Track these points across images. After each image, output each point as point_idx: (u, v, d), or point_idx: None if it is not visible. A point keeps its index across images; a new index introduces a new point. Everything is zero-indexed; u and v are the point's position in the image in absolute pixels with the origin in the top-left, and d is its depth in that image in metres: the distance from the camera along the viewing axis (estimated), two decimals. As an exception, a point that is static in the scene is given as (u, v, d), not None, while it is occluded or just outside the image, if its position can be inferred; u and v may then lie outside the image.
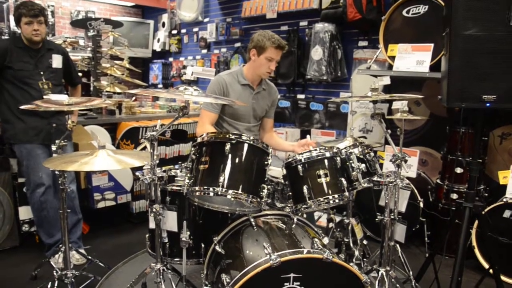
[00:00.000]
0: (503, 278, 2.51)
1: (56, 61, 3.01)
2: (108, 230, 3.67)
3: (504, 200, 2.91)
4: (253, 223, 1.96)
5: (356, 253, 2.60)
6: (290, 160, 2.03)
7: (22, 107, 2.26)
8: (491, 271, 2.32)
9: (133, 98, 4.62)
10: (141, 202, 3.91)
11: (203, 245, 2.14)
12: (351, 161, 2.08)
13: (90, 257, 2.85)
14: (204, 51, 5.82)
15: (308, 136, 2.55)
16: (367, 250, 2.77)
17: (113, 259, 3.04)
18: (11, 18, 4.88)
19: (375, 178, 2.10)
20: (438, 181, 3.42)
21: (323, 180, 1.98)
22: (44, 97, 2.70)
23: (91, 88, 4.11)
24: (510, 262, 2.81)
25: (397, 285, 2.30)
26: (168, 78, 6.43)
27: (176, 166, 2.29)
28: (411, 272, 2.53)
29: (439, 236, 3.17)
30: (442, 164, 3.41)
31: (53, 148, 2.18)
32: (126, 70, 4.26)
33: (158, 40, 6.41)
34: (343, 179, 2.00)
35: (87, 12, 6.23)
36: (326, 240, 1.92)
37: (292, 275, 1.61)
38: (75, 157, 2.11)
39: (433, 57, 3.05)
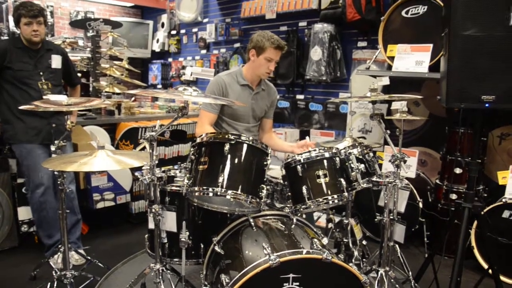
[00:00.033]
0: (502, 278, 2.51)
1: (56, 62, 3.01)
2: (107, 231, 3.67)
3: (503, 200, 2.91)
4: (253, 223, 1.96)
5: (356, 253, 2.60)
6: (289, 160, 2.03)
7: (22, 107, 2.26)
8: (490, 271, 2.32)
9: (132, 98, 4.62)
10: (141, 202, 3.91)
11: (202, 246, 2.14)
12: (350, 162, 2.08)
13: (89, 258, 2.84)
14: (203, 51, 5.82)
15: (307, 137, 2.55)
16: (366, 251, 2.77)
17: (112, 260, 3.04)
18: (10, 18, 4.88)
19: (374, 179, 2.10)
20: (437, 181, 3.42)
21: (322, 180, 1.98)
22: (44, 97, 2.70)
23: (90, 89, 4.11)
24: (509, 262, 2.81)
25: (397, 285, 2.30)
26: (167, 79, 6.43)
27: (175, 167, 2.29)
28: (410, 273, 2.53)
29: (438, 236, 3.18)
30: (441, 164, 3.41)
31: (52, 148, 2.19)
32: (125, 71, 4.26)
33: (157, 41, 6.41)
34: (342, 180, 2.00)
35: (86, 12, 6.23)
36: (325, 241, 1.92)
37: (291, 275, 1.61)
38: (74, 158, 2.11)
39: (432, 58, 3.05)
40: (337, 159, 2.03)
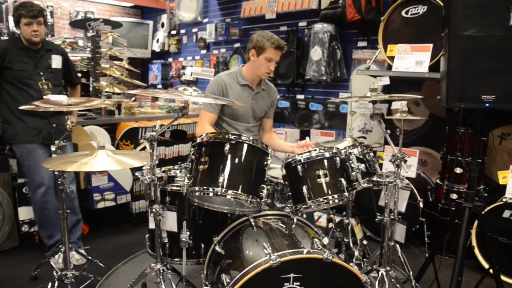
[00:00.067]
0: (503, 278, 2.51)
1: (56, 62, 3.01)
2: (108, 231, 3.67)
3: (504, 200, 2.91)
4: (253, 223, 1.96)
5: (356, 253, 2.60)
6: (289, 160, 2.03)
7: (22, 107, 2.26)
8: (491, 271, 2.32)
9: (133, 98, 4.62)
10: (141, 202, 3.91)
11: (203, 245, 2.14)
12: (350, 161, 2.08)
13: (90, 258, 2.85)
14: (203, 51, 5.82)
15: (307, 137, 2.55)
16: (367, 250, 2.77)
17: (113, 260, 3.04)
18: (10, 18, 4.88)
19: (374, 178, 2.10)
20: (438, 181, 3.42)
21: (322, 180, 1.98)
22: (44, 97, 2.70)
23: (91, 89, 4.11)
24: (510, 262, 2.81)
25: (397, 285, 2.30)
26: (167, 79, 6.43)
27: (176, 167, 2.29)
28: (411, 272, 2.53)
29: (439, 236, 3.18)
30: (442, 164, 3.41)
31: (53, 148, 2.19)
32: (125, 71, 4.26)
33: (157, 41, 6.41)
34: (342, 179, 2.00)
35: (86, 12, 6.23)
36: (326, 240, 1.92)
37: (292, 275, 1.61)
38: (75, 158, 2.11)
39: (432, 58, 3.05)
40: (338, 159, 2.03)
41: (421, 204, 3.21)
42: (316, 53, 4.15)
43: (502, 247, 2.84)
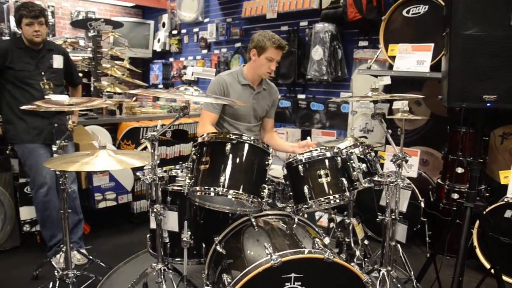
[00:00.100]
0: (504, 278, 2.50)
1: (57, 62, 3.01)
2: (109, 230, 3.68)
3: (505, 200, 2.91)
4: (254, 223, 1.96)
5: (357, 253, 2.59)
6: (291, 160, 2.03)
7: (23, 107, 2.27)
8: (492, 271, 2.31)
9: (134, 98, 4.63)
10: (142, 202, 3.91)
11: (204, 245, 2.14)
12: (352, 161, 2.08)
13: (91, 257, 2.85)
14: (205, 51, 5.82)
15: (308, 137, 2.55)
16: (368, 250, 2.77)
17: (114, 259, 3.04)
18: (12, 18, 4.89)
19: (376, 178, 2.10)
20: (439, 181, 3.42)
21: (324, 180, 1.98)
22: (45, 97, 2.70)
23: (92, 89, 4.12)
24: (511, 262, 2.80)
25: (398, 285, 2.30)
26: (168, 78, 6.43)
27: (177, 166, 2.29)
28: (412, 272, 2.53)
29: (440, 236, 3.17)
30: (443, 164, 3.41)
31: (54, 148, 2.19)
32: (126, 71, 4.26)
33: (159, 41, 6.42)
34: (344, 179, 2.00)
35: (87, 12, 6.23)
36: (327, 240, 1.92)
37: (293, 275, 1.61)
38: (76, 157, 2.11)
39: (433, 57, 3.05)
40: (339, 158, 2.03)
41: (422, 204, 3.21)
42: (317, 52, 4.15)
43: (503, 247, 2.84)
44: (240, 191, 1.86)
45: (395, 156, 2.15)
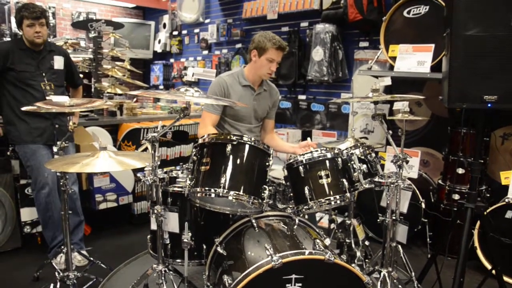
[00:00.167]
0: (505, 278, 2.50)
1: (58, 63, 3.02)
2: (109, 232, 3.68)
3: (506, 200, 2.90)
4: (255, 224, 1.96)
5: (358, 254, 2.59)
6: (291, 161, 2.03)
7: (24, 108, 2.27)
8: (493, 271, 2.31)
9: (134, 99, 4.63)
10: (143, 203, 3.91)
11: (204, 246, 2.14)
12: (352, 162, 2.08)
13: (92, 259, 2.85)
14: (205, 52, 5.82)
15: (308, 138, 2.55)
16: (369, 251, 2.77)
17: (115, 261, 3.04)
18: (13, 19, 4.90)
19: (376, 179, 2.10)
20: (440, 181, 3.41)
21: (324, 181, 1.98)
22: (46, 98, 2.70)
23: (92, 90, 4.12)
24: (512, 263, 2.80)
25: (399, 286, 2.30)
26: (169, 79, 6.44)
27: (178, 167, 2.29)
28: (413, 273, 2.53)
29: (441, 237, 3.17)
30: (444, 164, 3.41)
31: (55, 149, 2.19)
32: (127, 71, 4.26)
33: (159, 41, 6.42)
34: (344, 180, 2.00)
35: (88, 13, 6.24)
36: (327, 241, 1.92)
37: (294, 276, 1.61)
38: (77, 159, 2.11)
39: (434, 58, 3.04)
40: (339, 159, 2.03)
41: (423, 205, 3.21)
42: (317, 53, 4.15)
43: (504, 248, 2.83)
44: (241, 192, 1.86)
45: (395, 157, 2.15)
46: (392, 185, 2.11)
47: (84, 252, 3.01)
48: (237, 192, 1.85)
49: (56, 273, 2.38)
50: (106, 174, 3.51)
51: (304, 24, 4.52)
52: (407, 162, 2.15)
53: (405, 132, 2.56)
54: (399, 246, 2.47)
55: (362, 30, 4.07)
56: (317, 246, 1.74)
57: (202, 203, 2.00)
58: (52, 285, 2.37)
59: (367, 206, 3.31)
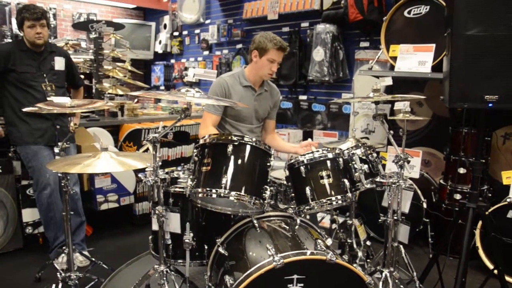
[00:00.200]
0: (507, 278, 2.50)
1: (59, 64, 3.02)
2: (111, 232, 3.68)
3: (508, 200, 2.90)
4: (256, 224, 1.96)
5: (360, 254, 2.59)
6: (292, 161, 2.03)
7: (25, 109, 2.27)
8: (495, 271, 2.31)
9: (135, 100, 4.64)
10: (144, 204, 3.91)
11: (206, 247, 2.14)
12: (353, 162, 2.08)
13: (93, 259, 2.85)
14: (206, 52, 5.82)
15: (309, 138, 2.56)
16: (370, 251, 2.77)
17: (117, 261, 3.04)
18: (14, 21, 4.91)
19: (378, 179, 2.10)
20: (441, 181, 3.41)
21: (325, 181, 1.98)
22: (48, 99, 2.71)
23: (93, 90, 4.13)
24: (514, 263, 2.80)
25: (401, 286, 2.29)
26: (170, 80, 6.44)
27: (179, 168, 2.29)
28: (415, 273, 2.53)
29: (442, 236, 3.15)
30: (445, 164, 3.40)
31: (56, 150, 2.19)
32: (128, 72, 4.27)
33: (160, 42, 6.43)
34: (345, 180, 2.00)
35: (89, 14, 6.24)
36: (329, 241, 1.92)
37: (295, 276, 1.61)
38: (78, 159, 2.11)
39: (435, 58, 3.04)
40: (341, 159, 2.03)
41: (424, 205, 3.21)
42: (318, 53, 4.15)
43: (506, 248, 2.83)
44: (242, 193, 1.86)
45: (397, 157, 2.15)
46: (393, 185, 2.11)
47: (85, 252, 3.01)
48: (238, 193, 1.85)
49: (58, 273, 2.38)
50: (108, 174, 3.51)
51: (304, 24, 4.52)
52: (408, 162, 2.15)
53: (406, 132, 2.55)
54: (401, 246, 2.47)
55: (362, 30, 4.06)
56: (318, 246, 1.74)
57: (204, 203, 2.00)
58: (54, 285, 2.37)
59: (369, 206, 3.31)
